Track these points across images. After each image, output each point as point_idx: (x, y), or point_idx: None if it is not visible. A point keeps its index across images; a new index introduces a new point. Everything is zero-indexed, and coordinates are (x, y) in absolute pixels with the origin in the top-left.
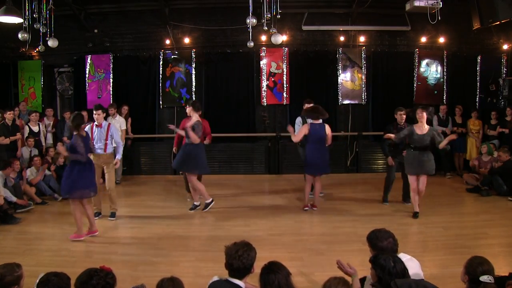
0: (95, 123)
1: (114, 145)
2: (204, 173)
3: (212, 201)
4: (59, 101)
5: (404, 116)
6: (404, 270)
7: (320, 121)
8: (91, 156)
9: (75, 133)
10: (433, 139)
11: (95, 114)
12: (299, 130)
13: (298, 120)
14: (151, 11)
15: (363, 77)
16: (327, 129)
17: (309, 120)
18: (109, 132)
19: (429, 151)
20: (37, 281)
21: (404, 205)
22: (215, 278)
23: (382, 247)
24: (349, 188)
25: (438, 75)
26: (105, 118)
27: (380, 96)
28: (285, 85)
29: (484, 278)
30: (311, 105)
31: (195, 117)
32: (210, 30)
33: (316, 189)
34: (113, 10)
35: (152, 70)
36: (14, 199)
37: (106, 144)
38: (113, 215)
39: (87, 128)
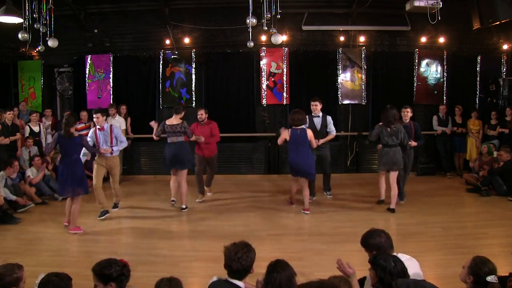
0: (97, 126)
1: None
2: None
3: (186, 207)
4: (59, 101)
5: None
6: (404, 269)
7: (302, 126)
8: (97, 158)
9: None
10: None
11: (94, 118)
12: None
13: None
14: (151, 11)
15: (363, 77)
16: (309, 133)
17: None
18: (113, 134)
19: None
20: (37, 281)
21: (399, 203)
22: (215, 279)
23: (377, 244)
24: (349, 188)
25: (438, 75)
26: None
27: (380, 96)
28: (285, 85)
29: (491, 278)
30: (316, 102)
31: (176, 119)
32: (210, 30)
33: (303, 194)
34: (113, 10)
35: (152, 70)
36: (13, 197)
37: (112, 147)
38: (115, 206)
39: (90, 132)
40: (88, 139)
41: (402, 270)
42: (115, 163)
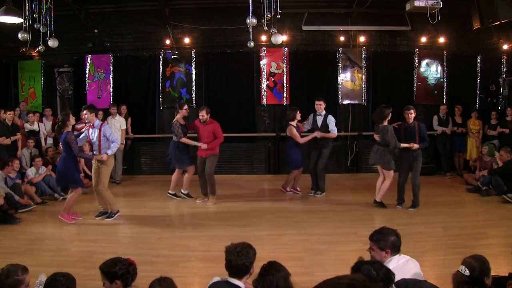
0: (89, 124)
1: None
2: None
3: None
4: (59, 101)
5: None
6: (389, 273)
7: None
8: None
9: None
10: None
11: (82, 115)
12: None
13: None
14: (151, 11)
15: (363, 77)
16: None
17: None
18: (101, 133)
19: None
20: (37, 281)
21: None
22: (215, 279)
23: (389, 243)
24: (349, 188)
25: (438, 75)
26: (105, 118)
27: (380, 96)
28: (285, 85)
29: (461, 268)
30: (320, 102)
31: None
32: (210, 30)
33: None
34: (113, 10)
35: (152, 70)
36: (16, 197)
37: (99, 145)
38: (102, 213)
39: (84, 129)
40: (82, 136)
41: (385, 275)
42: (105, 161)
